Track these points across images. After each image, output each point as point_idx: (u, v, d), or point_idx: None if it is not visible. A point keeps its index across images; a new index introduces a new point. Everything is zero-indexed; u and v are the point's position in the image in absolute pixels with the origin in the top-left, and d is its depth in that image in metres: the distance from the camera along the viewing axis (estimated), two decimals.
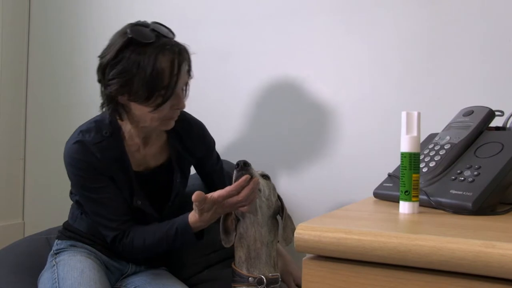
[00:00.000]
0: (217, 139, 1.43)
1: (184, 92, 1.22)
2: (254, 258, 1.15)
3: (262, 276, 1.14)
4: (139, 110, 1.17)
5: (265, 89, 1.66)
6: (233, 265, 1.19)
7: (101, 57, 1.17)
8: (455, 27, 1.39)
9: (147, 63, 1.10)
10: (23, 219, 2.09)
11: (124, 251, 1.22)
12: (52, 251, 1.31)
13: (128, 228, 1.22)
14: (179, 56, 1.14)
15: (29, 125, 2.09)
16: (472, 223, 0.70)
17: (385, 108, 1.47)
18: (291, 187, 1.59)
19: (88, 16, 1.98)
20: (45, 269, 1.28)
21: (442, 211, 0.79)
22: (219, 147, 1.47)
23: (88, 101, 1.94)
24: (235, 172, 1.10)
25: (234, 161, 1.58)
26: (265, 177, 1.22)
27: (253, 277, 1.14)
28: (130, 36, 1.11)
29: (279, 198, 1.24)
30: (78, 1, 2.00)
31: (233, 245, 1.21)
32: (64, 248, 1.29)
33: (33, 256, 1.40)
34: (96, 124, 1.23)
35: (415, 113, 0.78)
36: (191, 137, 1.34)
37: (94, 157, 1.19)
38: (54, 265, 1.25)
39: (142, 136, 1.26)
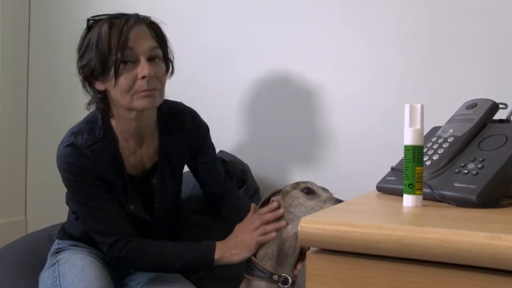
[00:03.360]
0: (216, 137, 1.42)
1: (162, 61, 1.16)
2: (282, 258, 1.13)
3: (288, 276, 1.11)
4: (111, 90, 1.14)
5: (265, 87, 1.66)
6: (253, 258, 1.15)
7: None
8: (457, 21, 1.39)
9: (93, 35, 1.11)
10: (25, 216, 2.09)
11: (127, 257, 1.17)
12: (52, 250, 1.31)
13: (129, 233, 1.18)
14: (127, 21, 1.11)
15: (31, 123, 2.09)
16: (476, 216, 0.69)
17: (387, 102, 1.47)
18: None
19: (87, 15, 1.96)
20: (45, 268, 1.27)
21: (446, 204, 0.79)
22: (218, 146, 1.47)
23: (88, 99, 1.94)
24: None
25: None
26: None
27: (278, 275, 1.11)
28: (87, 21, 1.16)
29: None
30: (79, 1, 2.00)
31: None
32: (64, 247, 1.29)
33: (35, 253, 1.40)
34: (88, 125, 1.18)
35: (418, 106, 0.78)
36: (184, 130, 1.28)
37: (88, 161, 1.14)
38: (54, 263, 1.24)
39: (136, 135, 1.21)
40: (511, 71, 1.32)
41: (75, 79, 2.14)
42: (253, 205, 1.21)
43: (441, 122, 1.00)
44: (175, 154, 1.28)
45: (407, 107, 0.78)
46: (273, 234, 1.12)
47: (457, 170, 0.83)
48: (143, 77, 1.10)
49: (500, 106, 0.93)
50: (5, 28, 2.00)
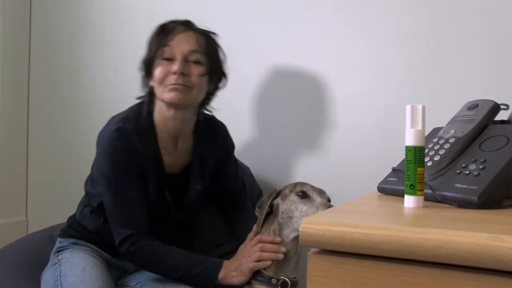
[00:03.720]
0: None
1: (203, 66, 1.22)
2: (283, 261, 1.13)
3: (287, 279, 1.12)
4: (154, 84, 1.23)
5: (265, 87, 1.66)
6: None
7: None
8: (457, 21, 1.39)
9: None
10: (26, 217, 2.09)
11: (135, 253, 1.18)
12: (54, 248, 1.32)
13: (145, 231, 1.20)
14: (173, 26, 1.23)
15: (31, 123, 2.09)
16: (478, 217, 0.69)
17: (387, 102, 1.47)
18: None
19: (88, 16, 1.98)
20: (47, 267, 1.28)
21: (447, 205, 0.79)
22: None
23: (89, 100, 1.94)
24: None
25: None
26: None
27: (276, 279, 1.12)
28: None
29: None
30: (79, 1, 1.99)
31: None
32: (66, 246, 1.30)
33: (36, 253, 1.40)
34: (135, 114, 1.24)
35: (420, 107, 0.78)
36: (216, 139, 1.35)
37: (134, 147, 1.19)
38: (56, 262, 1.26)
39: (173, 135, 1.26)
40: (511, 71, 1.32)
41: (76, 79, 2.14)
42: (255, 226, 1.21)
43: (441, 122, 1.00)
44: (207, 160, 1.34)
45: (408, 108, 0.78)
46: (268, 263, 1.13)
47: (458, 171, 0.83)
48: (174, 73, 1.18)
49: (502, 107, 0.93)
50: (6, 28, 2.00)
